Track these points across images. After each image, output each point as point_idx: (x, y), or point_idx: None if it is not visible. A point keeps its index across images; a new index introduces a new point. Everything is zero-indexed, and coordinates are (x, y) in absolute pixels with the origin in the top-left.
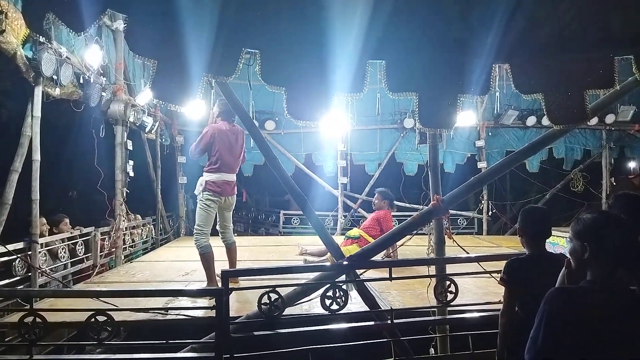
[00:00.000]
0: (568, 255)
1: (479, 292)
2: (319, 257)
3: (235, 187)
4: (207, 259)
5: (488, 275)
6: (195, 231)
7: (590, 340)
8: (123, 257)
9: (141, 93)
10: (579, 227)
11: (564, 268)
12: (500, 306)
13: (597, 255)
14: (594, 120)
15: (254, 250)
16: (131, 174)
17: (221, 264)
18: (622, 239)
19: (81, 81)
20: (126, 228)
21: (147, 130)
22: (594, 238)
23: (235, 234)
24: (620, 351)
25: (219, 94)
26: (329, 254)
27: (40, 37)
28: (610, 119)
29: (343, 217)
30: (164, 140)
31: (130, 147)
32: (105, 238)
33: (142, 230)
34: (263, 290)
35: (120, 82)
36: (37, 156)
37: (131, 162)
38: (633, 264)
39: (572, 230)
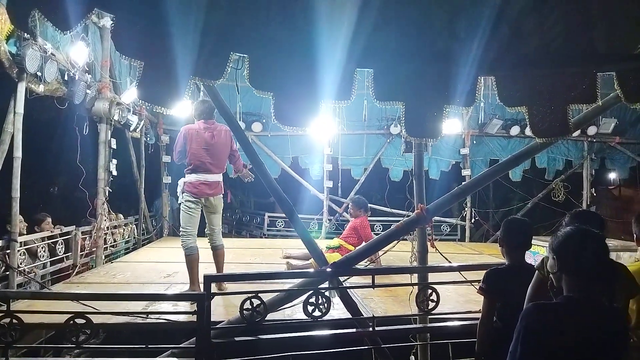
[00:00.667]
0: (547, 268)
1: (461, 300)
2: (302, 261)
3: (219, 188)
4: (191, 260)
5: (469, 283)
6: (180, 233)
7: (567, 356)
8: (104, 257)
9: (127, 91)
10: (554, 243)
11: (532, 282)
12: (480, 315)
13: (569, 270)
14: (576, 132)
15: (237, 253)
16: (114, 172)
17: (207, 266)
18: (595, 254)
19: (66, 78)
20: (108, 227)
21: (131, 128)
22: (566, 253)
23: None
24: None
25: (206, 94)
26: (312, 259)
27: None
28: (592, 130)
29: (328, 221)
30: (148, 139)
31: (114, 146)
32: (86, 237)
33: (124, 230)
34: (246, 296)
35: (106, 80)
36: (18, 153)
37: (114, 161)
38: (605, 279)
39: (548, 245)
